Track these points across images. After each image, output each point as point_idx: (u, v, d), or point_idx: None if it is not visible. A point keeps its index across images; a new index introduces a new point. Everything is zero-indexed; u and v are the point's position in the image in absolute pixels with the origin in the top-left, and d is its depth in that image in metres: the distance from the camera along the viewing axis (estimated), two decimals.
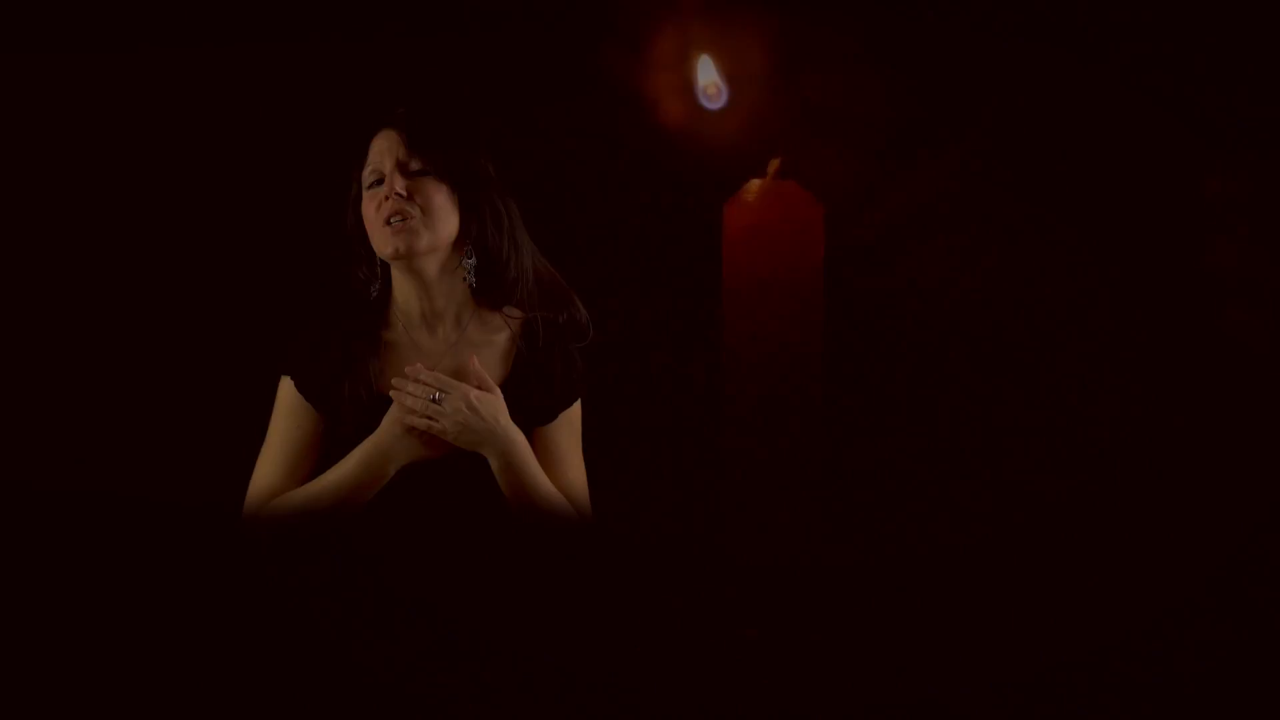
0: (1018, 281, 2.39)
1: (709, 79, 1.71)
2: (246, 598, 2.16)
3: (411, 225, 2.07)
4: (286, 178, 2.52)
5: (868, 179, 2.43)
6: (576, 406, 2.18)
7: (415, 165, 2.10)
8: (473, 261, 2.13)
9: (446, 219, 2.10)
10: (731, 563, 1.61)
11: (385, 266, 2.15)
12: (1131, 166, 2.30)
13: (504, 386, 2.12)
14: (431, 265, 2.12)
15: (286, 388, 2.12)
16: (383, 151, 2.11)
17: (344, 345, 2.11)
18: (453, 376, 2.11)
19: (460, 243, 2.13)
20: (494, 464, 2.07)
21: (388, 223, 2.07)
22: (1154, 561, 2.18)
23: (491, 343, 2.16)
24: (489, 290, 2.14)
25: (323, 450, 2.12)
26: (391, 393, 2.06)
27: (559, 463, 2.16)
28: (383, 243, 2.08)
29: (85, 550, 2.47)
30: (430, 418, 2.05)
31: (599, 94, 2.51)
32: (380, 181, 2.10)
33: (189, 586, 2.39)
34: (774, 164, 1.66)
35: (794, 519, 1.60)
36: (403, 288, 2.14)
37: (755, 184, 1.63)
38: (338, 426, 2.11)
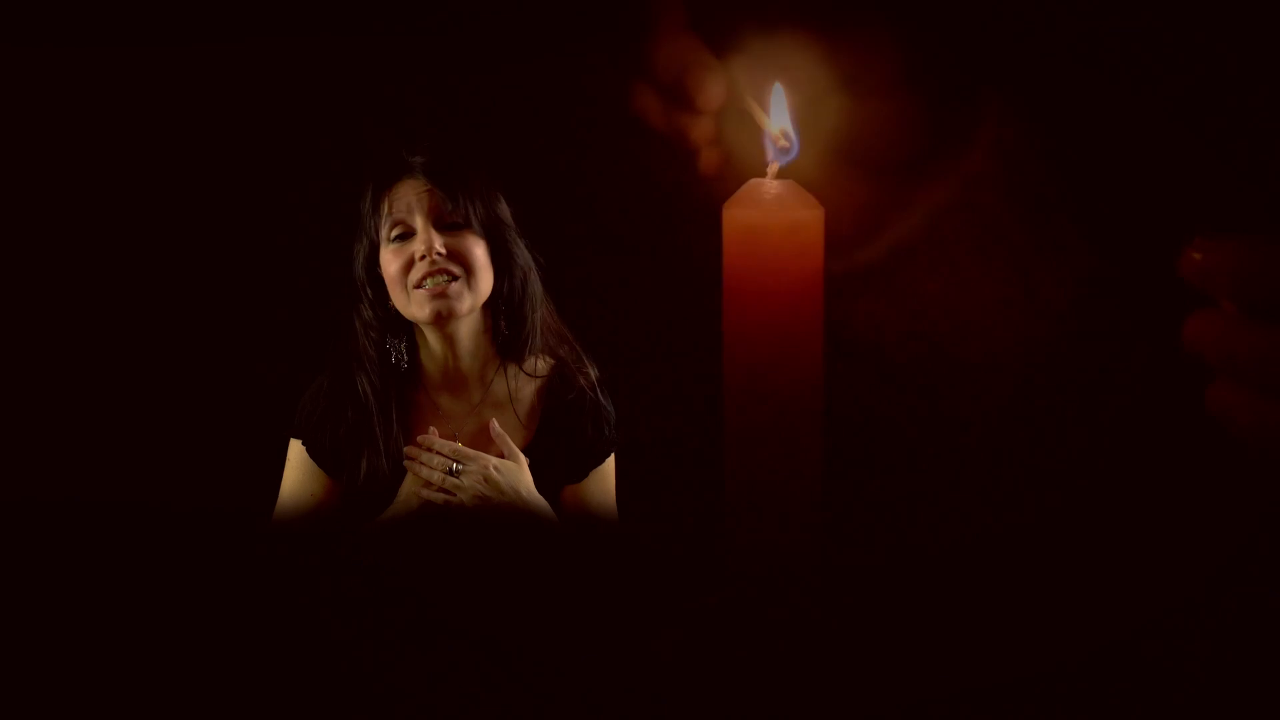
0: (1021, 281, 2.39)
1: (781, 125, 1.66)
2: (255, 609, 2.15)
3: (455, 289, 1.94)
4: (302, 192, 2.49)
5: (869, 181, 2.42)
6: (609, 463, 2.10)
7: (451, 219, 1.98)
8: (503, 316, 2.04)
9: (486, 278, 1.99)
10: (731, 568, 1.60)
11: (407, 324, 2.04)
12: (1145, 183, 2.29)
13: (529, 448, 2.02)
14: (464, 326, 2.02)
15: (296, 450, 2.06)
16: (411, 202, 1.98)
17: (359, 408, 2.01)
18: (476, 438, 2.02)
19: (492, 300, 2.03)
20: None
21: (421, 285, 1.95)
22: (1156, 567, 2.18)
23: (517, 401, 2.07)
24: (511, 346, 2.06)
25: (336, 510, 2.05)
26: (405, 463, 1.96)
27: (589, 511, 2.07)
28: (419, 307, 1.96)
29: (83, 560, 2.46)
30: (447, 491, 1.94)
31: (598, 92, 2.50)
32: (406, 235, 1.97)
33: (194, 596, 2.38)
34: (774, 164, 1.65)
35: (795, 522, 1.59)
36: (428, 348, 2.05)
37: (760, 181, 1.62)
38: (353, 493, 2.03)
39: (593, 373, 2.07)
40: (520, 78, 2.55)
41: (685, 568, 2.30)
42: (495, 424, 2.00)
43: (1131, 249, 2.33)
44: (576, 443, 2.08)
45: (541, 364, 2.06)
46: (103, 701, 2.18)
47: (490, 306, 2.04)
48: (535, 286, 2.04)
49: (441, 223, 2.00)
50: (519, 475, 1.94)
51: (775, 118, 1.65)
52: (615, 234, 2.58)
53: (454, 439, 2.00)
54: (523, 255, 2.04)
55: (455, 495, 1.94)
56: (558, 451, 2.07)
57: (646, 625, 2.10)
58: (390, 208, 2.00)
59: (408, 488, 1.97)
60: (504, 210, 2.04)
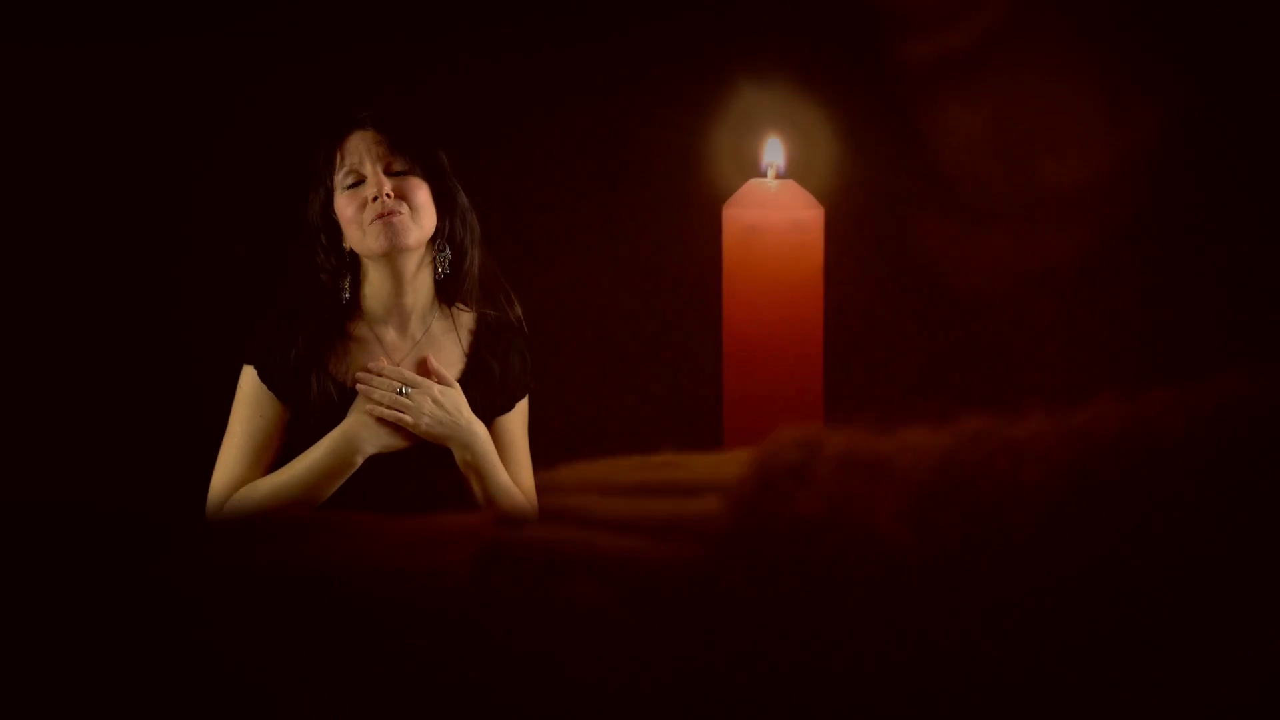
0: (1021, 280, 2.39)
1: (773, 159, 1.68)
2: (213, 598, 2.16)
3: (402, 221, 2.13)
4: (250, 171, 2.54)
5: (868, 179, 2.43)
6: (525, 400, 2.28)
7: (398, 166, 2.17)
8: (446, 256, 2.21)
9: (429, 216, 2.18)
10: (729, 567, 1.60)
11: (354, 264, 2.21)
12: (1138, 174, 2.30)
13: (461, 380, 2.21)
14: (411, 261, 2.18)
15: (249, 377, 2.18)
16: (362, 153, 2.17)
17: (310, 338, 2.18)
18: (415, 372, 2.19)
19: (433, 240, 2.20)
20: (458, 456, 2.16)
21: (374, 222, 2.14)
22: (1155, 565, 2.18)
23: (450, 338, 2.24)
24: (447, 286, 2.23)
25: (285, 441, 2.18)
26: (358, 386, 2.14)
27: (512, 450, 2.24)
28: (373, 239, 2.14)
29: (47, 559, 2.46)
30: (398, 411, 2.13)
31: (599, 93, 2.51)
32: (359, 182, 2.17)
33: (156, 591, 2.38)
34: (774, 164, 1.65)
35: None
36: (375, 284, 2.21)
37: (760, 181, 1.63)
38: (301, 419, 2.17)
39: (518, 309, 2.26)
40: (520, 78, 2.56)
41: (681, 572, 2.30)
42: (431, 359, 2.18)
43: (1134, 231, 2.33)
44: (503, 379, 2.25)
45: (475, 303, 2.26)
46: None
47: (433, 245, 2.22)
48: (474, 226, 2.22)
49: (389, 170, 2.18)
50: (459, 399, 2.16)
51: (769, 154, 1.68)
52: (615, 233, 2.59)
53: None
54: (462, 198, 2.24)
55: (405, 414, 2.11)
56: (486, 387, 2.23)
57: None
58: (343, 158, 2.19)
59: (359, 406, 2.14)
60: (443, 159, 2.24)
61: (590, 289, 2.57)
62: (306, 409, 2.16)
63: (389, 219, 2.13)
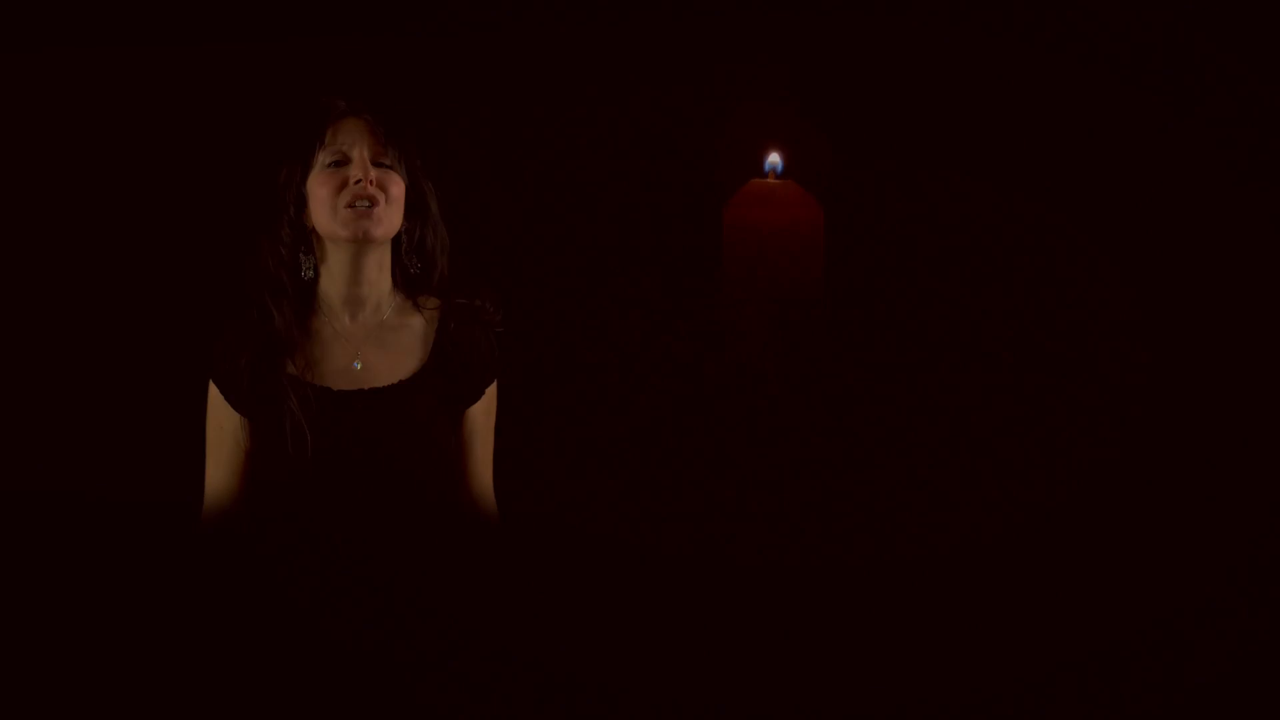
0: (1019, 281, 2.40)
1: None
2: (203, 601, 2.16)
3: (377, 212, 2.17)
4: (203, 171, 2.56)
5: (868, 179, 2.43)
6: (493, 389, 2.24)
7: (384, 159, 2.20)
8: (414, 256, 2.22)
9: (399, 213, 2.20)
10: (730, 566, 1.60)
11: (315, 244, 2.20)
12: (1133, 166, 2.30)
13: (422, 371, 2.19)
14: (372, 254, 2.20)
15: (211, 388, 2.20)
16: (354, 138, 2.20)
17: (262, 341, 2.18)
18: (373, 360, 2.17)
19: (403, 237, 2.21)
20: None
21: (350, 206, 2.16)
22: (1153, 562, 2.18)
23: (409, 327, 2.23)
24: (416, 283, 2.23)
25: (254, 444, 2.16)
26: None
27: (476, 444, 2.22)
28: (343, 224, 2.17)
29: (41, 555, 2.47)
30: None
31: (600, 93, 2.52)
32: (341, 163, 2.19)
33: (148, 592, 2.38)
34: (775, 165, 1.66)
35: (795, 520, 1.60)
36: (333, 269, 2.21)
37: (760, 181, 1.63)
38: (262, 422, 2.16)
39: (492, 302, 2.24)
40: (521, 78, 2.56)
41: (682, 571, 2.31)
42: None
43: (1128, 229, 2.34)
44: (466, 368, 2.24)
45: (433, 297, 2.25)
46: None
47: (396, 243, 2.24)
48: (443, 236, 2.29)
49: (375, 160, 2.23)
50: None
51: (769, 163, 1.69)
52: (616, 233, 2.59)
53: (355, 358, 2.19)
54: (433, 206, 2.26)
55: None
56: (449, 376, 2.23)
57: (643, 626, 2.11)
58: (333, 138, 2.23)
59: None
60: (420, 164, 2.26)
61: (591, 289, 2.57)
62: (265, 411, 2.15)
63: (365, 210, 2.16)
